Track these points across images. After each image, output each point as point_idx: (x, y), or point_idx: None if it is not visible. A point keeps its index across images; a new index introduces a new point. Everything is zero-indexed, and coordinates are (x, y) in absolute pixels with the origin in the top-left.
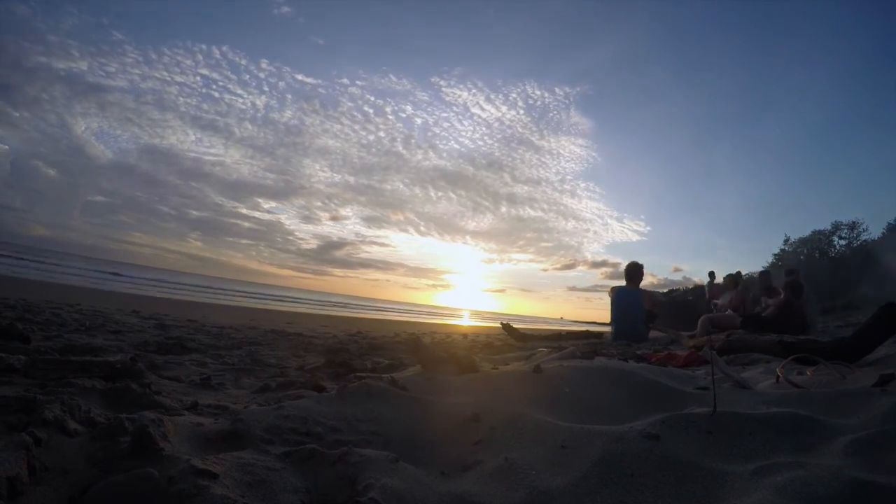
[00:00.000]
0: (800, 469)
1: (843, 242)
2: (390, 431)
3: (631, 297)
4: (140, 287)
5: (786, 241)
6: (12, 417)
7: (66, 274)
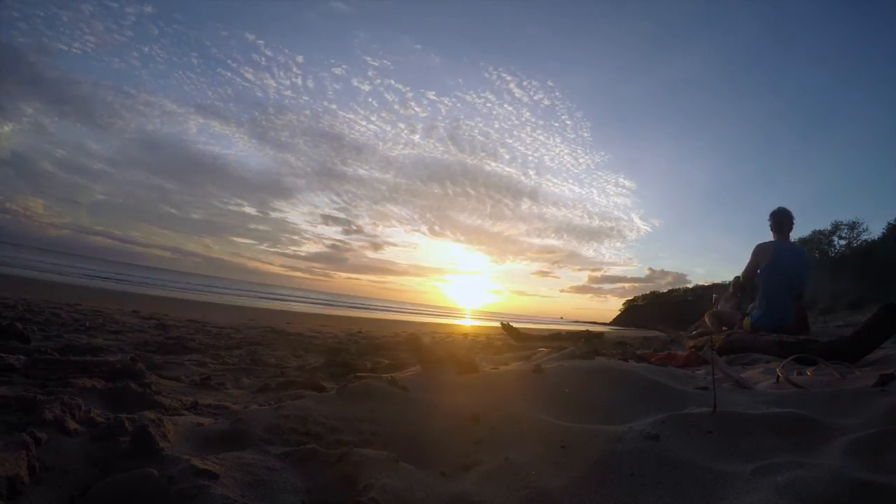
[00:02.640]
0: (800, 469)
1: (843, 242)
2: (390, 431)
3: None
4: (140, 286)
5: None
6: (12, 417)
7: (66, 274)
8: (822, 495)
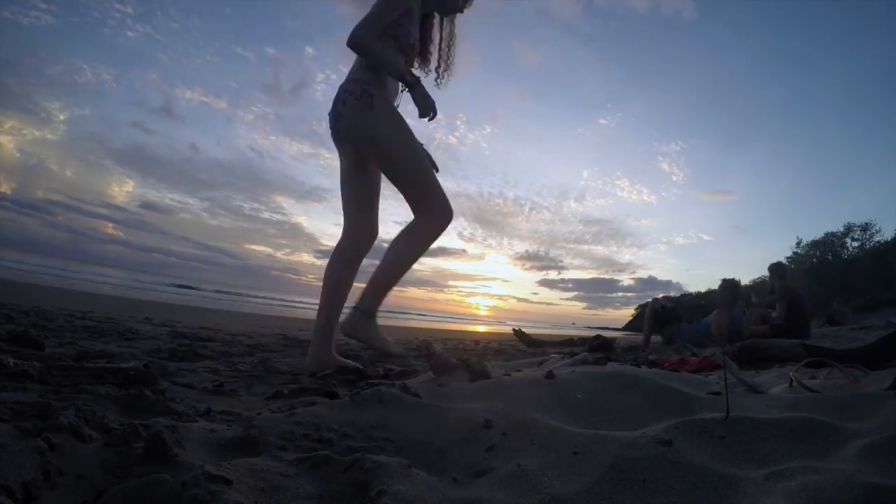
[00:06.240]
0: (813, 474)
1: (855, 244)
2: (402, 438)
3: None
4: (152, 293)
5: (798, 244)
6: (28, 423)
7: (79, 280)
8: (836, 500)
